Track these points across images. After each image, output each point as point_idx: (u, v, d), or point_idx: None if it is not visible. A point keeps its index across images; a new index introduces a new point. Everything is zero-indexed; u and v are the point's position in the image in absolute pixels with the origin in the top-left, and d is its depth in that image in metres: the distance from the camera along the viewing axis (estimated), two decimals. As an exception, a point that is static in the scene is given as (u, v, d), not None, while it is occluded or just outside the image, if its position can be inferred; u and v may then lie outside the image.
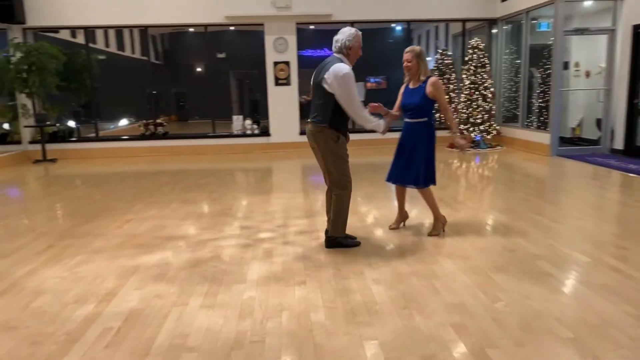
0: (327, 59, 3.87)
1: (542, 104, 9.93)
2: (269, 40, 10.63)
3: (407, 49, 4.25)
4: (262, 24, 10.61)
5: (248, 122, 11.15)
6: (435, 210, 4.40)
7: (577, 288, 3.18)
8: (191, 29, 19.81)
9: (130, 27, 13.28)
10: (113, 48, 17.39)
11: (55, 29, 10.99)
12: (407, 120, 4.33)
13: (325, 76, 3.75)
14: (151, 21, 10.55)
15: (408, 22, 11.19)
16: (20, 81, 9.58)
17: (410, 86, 4.30)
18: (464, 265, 3.62)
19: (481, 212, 5.23)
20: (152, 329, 2.77)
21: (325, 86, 3.76)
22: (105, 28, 12.10)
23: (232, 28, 14.83)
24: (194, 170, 8.62)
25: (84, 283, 3.48)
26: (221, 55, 19.34)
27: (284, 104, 10.81)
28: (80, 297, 3.23)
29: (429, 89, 4.14)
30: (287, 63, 10.71)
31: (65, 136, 10.98)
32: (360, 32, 3.93)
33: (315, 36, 18.95)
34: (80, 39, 11.56)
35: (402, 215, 4.63)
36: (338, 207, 4.00)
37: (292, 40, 10.67)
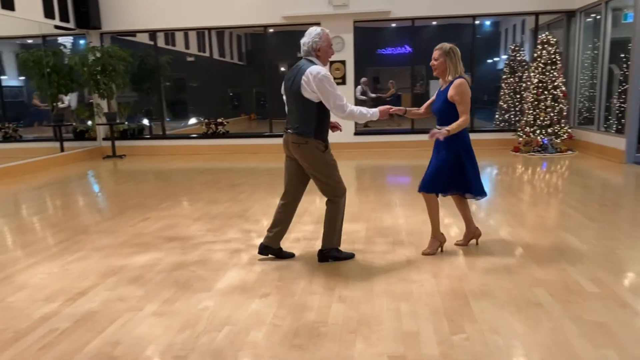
0: (298, 64, 3.63)
1: (623, 105, 8.86)
2: (325, 39, 10.50)
3: (437, 46, 3.81)
4: (318, 23, 10.50)
5: (304, 121, 11.10)
6: (435, 226, 3.96)
7: (563, 324, 2.73)
8: (270, 30, 20.36)
9: (193, 30, 13.70)
10: (194, 50, 18.26)
11: (127, 33, 11.68)
12: (437, 126, 3.82)
13: (303, 81, 3.47)
14: (213, 23, 10.88)
15: (473, 17, 10.51)
16: (93, 82, 10.32)
17: (442, 88, 3.88)
18: (447, 287, 3.27)
19: (510, 225, 4.73)
20: (92, 333, 2.78)
21: (303, 92, 3.49)
22: (170, 31, 12.60)
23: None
24: (238, 169, 8.75)
25: (66, 280, 3.60)
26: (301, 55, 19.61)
27: (339, 104, 10.63)
28: (52, 294, 3.35)
29: (450, 91, 3.72)
30: (343, 62, 10.53)
31: (135, 134, 11.66)
32: (327, 31, 3.65)
33: (396, 34, 18.63)
34: (160, 41, 12.23)
35: (470, 230, 4.11)
36: (333, 217, 3.76)
37: (349, 38, 10.47)
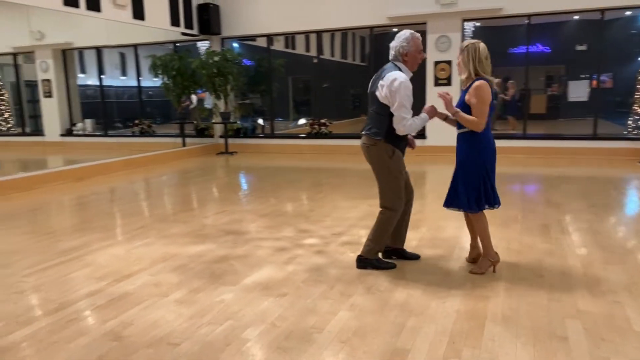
0: (383, 67, 3.59)
1: None
2: (430, 39, 10.19)
3: (462, 45, 3.58)
4: (424, 23, 10.22)
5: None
6: (486, 243, 3.62)
7: (580, 364, 2.38)
8: (395, 29, 20.24)
9: (300, 33, 13.94)
10: (314, 52, 18.85)
11: (245, 38, 12.45)
12: (458, 131, 3.64)
13: (379, 84, 3.48)
14: (321, 26, 11.15)
15: (601, 10, 9.38)
16: (210, 84, 11.22)
17: (463, 87, 3.65)
18: (470, 307, 3.02)
19: (586, 246, 4.19)
20: (116, 312, 3.08)
21: (379, 95, 3.49)
22: (281, 35, 13.02)
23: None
24: (330, 169, 8.88)
25: (122, 263, 4.01)
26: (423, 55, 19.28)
27: (442, 105, 10.23)
28: (106, 274, 3.76)
29: (468, 94, 3.47)
30: (448, 62, 10.11)
31: (247, 132, 12.42)
32: (417, 34, 3.55)
33: (529, 30, 17.47)
34: (280, 45, 12.88)
35: (473, 250, 3.82)
36: (380, 227, 3.66)
37: (456, 38, 10.01)
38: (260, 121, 13.50)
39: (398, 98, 3.39)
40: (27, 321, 2.99)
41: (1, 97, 15.57)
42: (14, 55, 15.08)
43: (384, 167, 3.58)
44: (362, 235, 4.62)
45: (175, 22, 10.81)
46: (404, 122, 3.43)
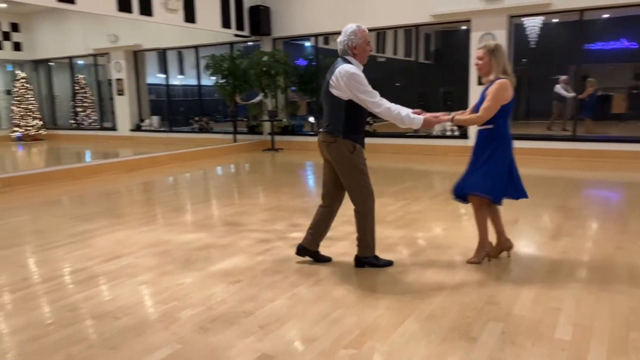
0: (334, 63, 3.65)
1: None
2: (474, 37, 9.92)
3: (482, 43, 3.69)
4: (468, 20, 9.97)
5: (449, 123, 10.65)
6: (483, 234, 3.75)
7: (472, 365, 2.37)
8: (464, 27, 19.70)
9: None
10: (375, 51, 18.82)
11: (295, 38, 12.77)
12: (478, 128, 3.74)
13: (331, 80, 3.52)
14: (366, 26, 11.18)
15: (662, 3, 8.66)
16: (258, 83, 11.66)
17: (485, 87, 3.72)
18: (402, 304, 3.06)
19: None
20: (85, 288, 3.46)
21: (333, 91, 3.52)
22: (329, 34, 13.15)
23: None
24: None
25: (118, 246, 4.43)
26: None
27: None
28: (98, 255, 4.18)
29: (490, 90, 3.55)
30: (493, 61, 9.77)
31: (293, 130, 12.75)
32: (364, 27, 3.60)
33: (610, 25, 16.43)
34: (334, 45, 13.06)
35: (500, 242, 3.87)
36: (363, 225, 3.69)
37: (502, 35, 9.65)
38: (311, 119, 13.78)
39: (357, 86, 3.42)
40: (13, 289, 3.44)
41: (85, 95, 17.11)
42: (94, 56, 16.53)
43: (347, 163, 3.57)
44: (350, 231, 4.71)
45: (226, 24, 11.35)
46: (378, 104, 3.44)
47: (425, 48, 22.18)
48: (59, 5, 7.94)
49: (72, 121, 17.22)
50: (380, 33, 18.48)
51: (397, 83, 19.64)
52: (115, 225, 5.15)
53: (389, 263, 3.80)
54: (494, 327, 2.73)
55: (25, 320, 2.97)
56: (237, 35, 11.94)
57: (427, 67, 21.87)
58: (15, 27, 17.04)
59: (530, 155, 9.51)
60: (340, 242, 4.33)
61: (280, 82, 11.67)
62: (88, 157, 13.16)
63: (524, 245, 4.23)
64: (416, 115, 3.57)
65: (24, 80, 16.60)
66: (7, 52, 16.86)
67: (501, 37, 9.64)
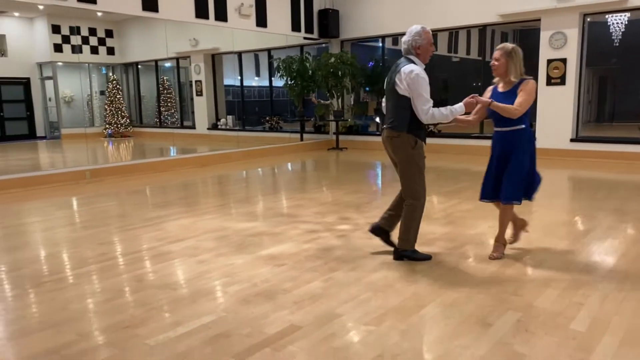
0: (397, 62, 3.85)
1: None
2: (544, 37, 9.68)
3: (499, 45, 3.83)
4: (538, 19, 9.75)
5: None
6: (504, 230, 3.96)
7: None
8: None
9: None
10: (443, 50, 18.62)
11: (362, 40, 13.02)
12: (497, 129, 3.85)
13: (397, 79, 3.69)
14: (433, 26, 11.21)
15: None
16: (325, 84, 12.06)
17: (500, 89, 3.86)
18: (428, 291, 3.27)
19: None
20: (149, 265, 3.97)
21: (398, 89, 3.69)
22: (393, 36, 13.20)
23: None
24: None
25: (183, 231, 4.95)
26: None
27: (554, 106, 9.68)
28: (165, 237, 4.71)
29: (521, 90, 3.68)
30: (563, 60, 9.50)
31: (359, 130, 13.02)
32: (427, 28, 3.80)
33: None
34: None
35: (517, 226, 4.12)
36: (409, 218, 3.88)
37: (573, 34, 9.37)
38: (377, 119, 13.99)
39: (417, 88, 3.62)
40: (93, 262, 4.02)
41: (169, 96, 18.40)
42: (177, 59, 17.73)
43: (408, 157, 3.77)
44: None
45: (296, 27, 11.85)
46: (426, 111, 3.63)
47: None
48: (144, 14, 8.77)
49: (157, 120, 18.60)
50: (452, 33, 18.30)
51: (473, 83, 19.31)
52: (184, 213, 5.71)
53: (427, 257, 3.97)
54: (511, 315, 2.88)
55: (102, 286, 3.50)
56: (306, 38, 12.40)
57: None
58: (109, 34, 18.67)
59: (621, 160, 9.19)
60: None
61: (346, 83, 11.99)
62: (168, 152, 14.18)
63: (566, 244, 4.25)
64: (456, 105, 3.75)
65: (115, 82, 18.17)
66: (102, 56, 18.52)
67: (573, 36, 9.37)
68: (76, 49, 17.77)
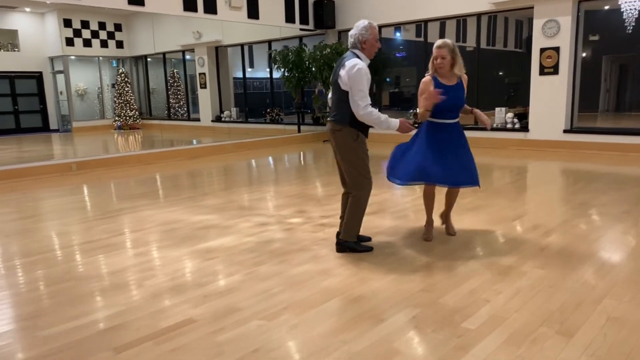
0: (343, 55, 3.84)
1: None
2: (537, 25, 9.41)
3: (439, 43, 3.92)
4: (531, 7, 9.47)
5: (509, 114, 10.24)
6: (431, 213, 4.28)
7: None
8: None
9: (410, 23, 13.48)
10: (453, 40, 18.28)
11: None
12: (448, 121, 3.98)
13: (340, 72, 3.66)
14: (428, 16, 11.05)
15: None
16: (320, 76, 11.99)
17: (444, 82, 3.93)
18: (341, 285, 3.25)
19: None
20: (94, 253, 4.05)
21: (340, 83, 3.67)
22: (391, 26, 12.93)
23: (606, 7, 13.23)
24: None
25: (136, 223, 5.02)
26: (594, 38, 17.53)
27: (547, 96, 9.42)
28: (118, 228, 4.80)
29: (465, 85, 4.04)
30: (556, 49, 9.22)
31: (356, 121, 12.92)
32: (374, 24, 3.77)
33: None
34: (410, 35, 12.99)
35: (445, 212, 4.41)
36: (354, 209, 3.89)
37: (566, 22, 9.08)
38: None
39: (357, 84, 3.58)
40: (33, 254, 4.13)
41: (178, 88, 18.60)
42: (183, 52, 17.88)
43: (350, 149, 3.76)
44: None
45: (290, 19, 11.80)
46: (363, 107, 3.59)
47: (516, 36, 21.08)
48: (130, 8, 8.85)
49: (166, 112, 18.85)
50: (460, 21, 17.95)
51: (488, 74, 18.94)
52: (148, 205, 5.79)
53: (368, 249, 3.98)
54: (409, 312, 2.84)
55: (28, 278, 3.59)
56: (302, 29, 12.35)
57: (518, 55, 20.82)
58: (118, 27, 18.96)
59: (616, 152, 8.94)
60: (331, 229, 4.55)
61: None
62: (168, 144, 14.34)
63: (508, 238, 4.15)
64: (393, 119, 3.73)
65: (123, 75, 18.46)
66: (112, 50, 18.84)
67: (566, 24, 9.09)
68: (87, 43, 18.12)
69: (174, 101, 18.51)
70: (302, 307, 2.94)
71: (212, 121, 16.37)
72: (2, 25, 16.98)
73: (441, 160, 3.96)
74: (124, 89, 18.40)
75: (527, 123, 9.82)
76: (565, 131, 9.30)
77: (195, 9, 9.83)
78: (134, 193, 6.63)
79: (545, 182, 6.97)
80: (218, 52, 16.46)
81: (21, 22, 17.40)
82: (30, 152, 11.57)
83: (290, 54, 12.36)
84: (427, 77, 3.98)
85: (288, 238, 4.36)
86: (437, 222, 4.38)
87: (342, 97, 3.70)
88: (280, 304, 2.99)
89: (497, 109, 10.47)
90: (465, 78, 4.02)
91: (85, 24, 18.05)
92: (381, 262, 3.68)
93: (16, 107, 17.82)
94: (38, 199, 6.55)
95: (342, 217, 4.06)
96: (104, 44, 18.55)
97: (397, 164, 4.16)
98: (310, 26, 12.31)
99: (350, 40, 3.77)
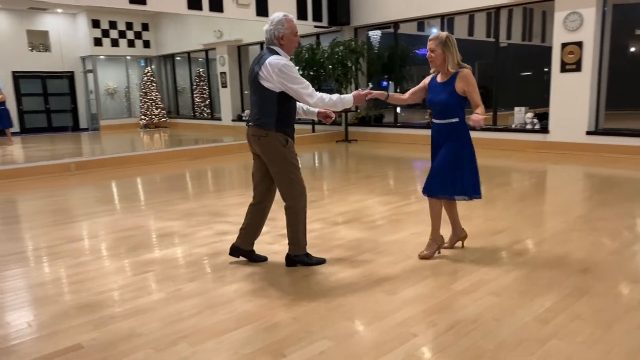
0: (260, 53, 3.54)
1: None
2: (558, 17, 8.71)
3: (431, 36, 3.57)
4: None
5: (529, 115, 9.56)
6: (438, 227, 3.73)
7: None
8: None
9: (426, 19, 12.83)
10: (481, 35, 17.49)
11: (373, 26, 12.42)
12: (435, 121, 3.68)
13: (260, 71, 3.38)
14: (443, 10, 10.49)
15: None
16: (333, 73, 11.63)
17: (439, 80, 3.64)
18: (258, 300, 2.91)
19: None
20: (60, 257, 3.88)
21: (263, 82, 3.39)
22: (407, 22, 12.32)
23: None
24: (406, 159, 8.48)
25: (98, 228, 4.84)
26: (640, 32, 16.48)
27: (569, 96, 8.71)
28: (81, 234, 4.63)
29: (459, 84, 3.51)
30: (579, 44, 8.51)
31: (370, 121, 12.48)
32: (291, 17, 3.43)
33: None
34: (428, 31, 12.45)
35: (455, 233, 3.93)
36: (294, 221, 3.57)
37: (590, 14, 8.35)
38: (398, 109, 13.37)
39: (291, 79, 3.31)
40: None
41: (204, 87, 18.62)
42: (206, 51, 17.86)
43: (279, 157, 3.44)
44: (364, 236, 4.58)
45: (302, 15, 11.47)
46: (311, 94, 3.31)
47: (543, 29, 20.02)
48: (132, 7, 8.76)
49: (192, 111, 18.93)
50: (490, 14, 17.15)
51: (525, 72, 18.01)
52: (117, 210, 5.62)
53: (321, 261, 3.66)
54: (320, 346, 2.47)
55: None
56: (316, 27, 12.01)
57: (545, 50, 19.74)
58: (145, 27, 19.18)
59: None
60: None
61: (353, 72, 11.49)
62: (181, 144, 14.33)
63: (475, 257, 3.70)
64: (346, 95, 3.46)
65: (149, 74, 18.64)
66: (139, 49, 19.08)
67: (590, 17, 8.37)
68: (114, 43, 18.40)
69: (200, 100, 18.56)
70: (203, 336, 2.62)
71: (233, 120, 16.28)
72: (33, 26, 17.46)
73: (431, 167, 3.70)
74: (150, 88, 18.59)
75: (547, 124, 9.14)
76: (588, 133, 8.57)
77: (199, 7, 9.65)
78: (111, 196, 6.50)
79: (552, 188, 6.39)
80: (240, 51, 16.36)
81: (53, 23, 17.83)
82: (45, 151, 11.74)
83: (303, 52, 12.05)
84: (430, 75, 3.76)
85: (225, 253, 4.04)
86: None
87: (265, 97, 3.37)
88: (183, 331, 2.68)
89: (517, 109, 9.80)
90: (464, 74, 3.48)
91: (112, 25, 18.34)
92: (320, 282, 3.32)
93: (48, 107, 18.33)
94: (16, 200, 6.51)
95: (242, 229, 3.73)
96: (131, 44, 18.81)
97: None
98: (324, 23, 11.95)
99: (266, 36, 3.44)
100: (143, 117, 18.53)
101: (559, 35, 8.73)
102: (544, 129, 9.17)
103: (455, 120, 3.56)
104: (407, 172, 7.82)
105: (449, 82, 3.55)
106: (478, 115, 3.33)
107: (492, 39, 10.95)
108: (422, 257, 3.67)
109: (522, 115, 9.64)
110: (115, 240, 4.44)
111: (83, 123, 19.07)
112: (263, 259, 3.81)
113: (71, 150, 12.25)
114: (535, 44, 18.83)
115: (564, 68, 8.73)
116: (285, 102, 3.39)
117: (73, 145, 13.65)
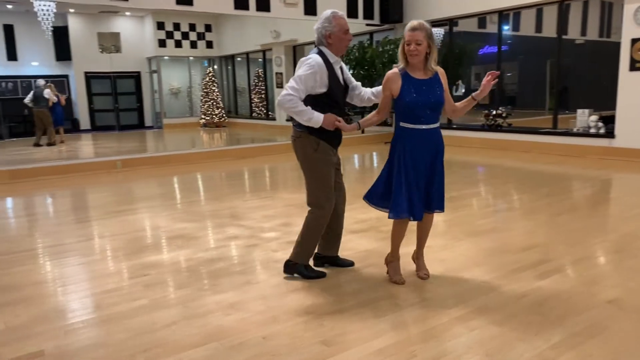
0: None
1: None
2: (628, 10, 7.89)
3: (414, 24, 3.00)
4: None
5: (593, 117, 8.73)
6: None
7: None
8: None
9: (481, 15, 11.98)
10: (550, 32, 16.34)
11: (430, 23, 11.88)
12: (422, 127, 3.07)
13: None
14: (500, 5, 9.84)
15: None
16: (383, 72, 11.27)
17: (417, 77, 3.05)
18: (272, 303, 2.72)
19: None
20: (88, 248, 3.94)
21: None
22: (462, 18, 11.62)
23: None
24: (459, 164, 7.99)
25: (124, 225, 4.88)
26: None
27: (638, 97, 7.86)
28: (119, 231, 4.68)
29: (443, 80, 3.10)
30: (652, 39, 7.65)
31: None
32: (340, 13, 3.24)
33: None
34: (494, 27, 11.89)
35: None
36: (308, 228, 3.38)
37: (666, 5, 7.48)
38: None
39: (298, 71, 3.16)
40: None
41: (262, 88, 18.79)
42: (263, 52, 18.00)
43: (309, 161, 3.28)
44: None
45: (352, 13, 11.21)
46: (283, 93, 3.11)
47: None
48: (177, 8, 8.90)
49: (250, 111, 19.18)
50: (561, 7, 16.02)
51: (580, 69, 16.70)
52: (145, 208, 5.66)
53: (321, 275, 3.42)
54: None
55: None
56: (368, 25, 11.71)
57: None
58: (208, 28, 19.66)
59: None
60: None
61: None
62: (238, 143, 14.47)
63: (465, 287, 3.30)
64: (316, 112, 3.13)
65: (211, 75, 19.07)
66: (201, 50, 19.59)
67: (665, 8, 7.48)
68: (178, 44, 18.97)
69: (258, 100, 18.75)
70: (164, 351, 2.47)
71: (287, 120, 16.27)
72: (106, 28, 18.38)
73: (414, 186, 3.16)
74: (211, 88, 19.01)
75: (613, 128, 8.30)
76: (657, 137, 7.70)
77: (246, 7, 9.66)
78: (145, 194, 6.59)
79: (607, 200, 5.74)
80: (295, 51, 16.33)
81: (123, 25, 18.68)
82: (109, 148, 12.26)
83: (353, 50, 11.79)
84: (393, 70, 3.11)
85: (241, 257, 3.90)
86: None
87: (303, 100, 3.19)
88: (146, 344, 2.55)
89: (579, 111, 9.00)
90: (442, 72, 3.10)
91: (176, 26, 18.93)
92: (308, 298, 3.08)
93: (116, 105, 19.26)
94: (62, 196, 6.76)
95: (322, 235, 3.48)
96: (193, 45, 19.33)
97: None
98: (376, 21, 11.62)
99: (316, 35, 3.25)
100: (203, 116, 18.97)
101: (629, 30, 7.90)
102: (610, 134, 8.34)
103: (438, 124, 3.14)
104: (447, 177, 7.34)
105: (435, 80, 3.06)
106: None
107: (566, 36, 10.11)
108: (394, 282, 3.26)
109: (585, 117, 8.83)
110: (128, 240, 4.43)
111: (148, 121, 19.87)
112: (350, 263, 3.62)
113: (137, 145, 12.73)
114: (615, 40, 17.37)
115: (633, 66, 7.89)
116: (321, 104, 3.16)
117: (137, 142, 14.16)
